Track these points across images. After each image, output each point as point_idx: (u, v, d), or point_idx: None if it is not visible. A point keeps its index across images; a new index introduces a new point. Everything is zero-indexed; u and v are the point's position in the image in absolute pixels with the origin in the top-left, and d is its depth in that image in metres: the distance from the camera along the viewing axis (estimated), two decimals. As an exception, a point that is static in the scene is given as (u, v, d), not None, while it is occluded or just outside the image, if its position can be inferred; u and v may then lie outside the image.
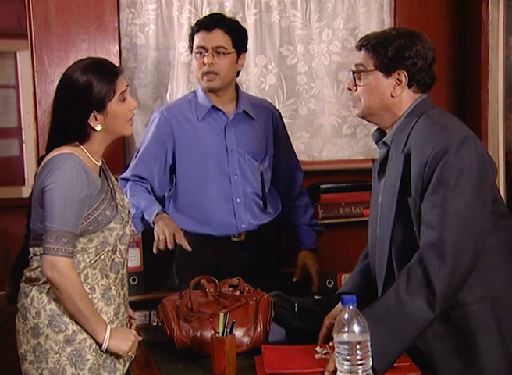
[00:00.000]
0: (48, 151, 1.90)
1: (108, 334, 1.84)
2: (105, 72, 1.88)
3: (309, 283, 2.74)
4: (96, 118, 1.86)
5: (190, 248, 2.39)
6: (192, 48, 2.56)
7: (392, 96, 1.87)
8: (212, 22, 2.51)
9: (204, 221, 2.58)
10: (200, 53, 2.51)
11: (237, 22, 2.64)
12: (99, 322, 1.85)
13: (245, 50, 2.62)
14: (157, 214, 2.47)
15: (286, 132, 2.79)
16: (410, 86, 1.87)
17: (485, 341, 1.75)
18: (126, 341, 1.87)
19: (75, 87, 1.85)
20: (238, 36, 2.55)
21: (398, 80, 1.86)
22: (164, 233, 2.39)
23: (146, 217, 2.48)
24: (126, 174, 2.61)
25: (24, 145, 3.98)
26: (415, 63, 1.85)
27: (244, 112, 2.61)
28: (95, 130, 1.87)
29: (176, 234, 2.40)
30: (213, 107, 2.57)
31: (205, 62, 2.49)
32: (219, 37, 2.50)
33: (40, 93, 2.88)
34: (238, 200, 2.58)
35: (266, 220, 2.66)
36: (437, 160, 1.73)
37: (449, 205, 1.70)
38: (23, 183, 3.92)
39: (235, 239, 2.61)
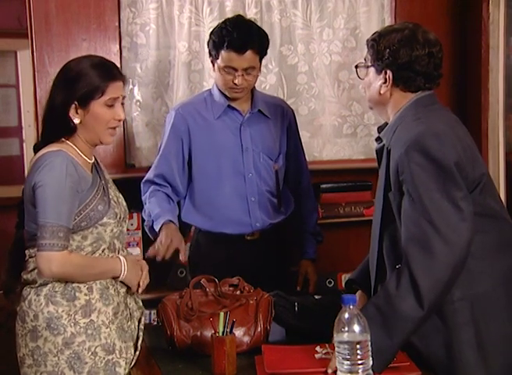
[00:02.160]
0: (39, 148, 1.90)
1: (125, 268, 1.90)
2: (104, 71, 1.87)
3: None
4: (77, 111, 1.85)
5: (183, 261, 2.40)
6: (216, 57, 2.49)
7: (380, 93, 1.89)
8: (245, 44, 2.43)
9: (218, 219, 2.58)
10: (229, 71, 2.47)
11: (262, 31, 2.55)
12: (113, 264, 1.89)
13: (266, 54, 2.59)
14: (163, 224, 2.43)
15: (298, 132, 2.79)
16: (397, 85, 1.87)
17: (460, 340, 1.75)
18: (136, 276, 1.94)
19: (67, 73, 1.87)
20: (264, 49, 2.53)
21: (385, 78, 1.87)
22: (160, 244, 2.34)
23: (154, 226, 2.46)
24: (149, 175, 2.59)
25: (24, 144, 3.99)
26: (400, 64, 1.84)
27: (259, 111, 2.61)
28: (75, 124, 1.86)
29: (179, 247, 2.36)
30: (229, 106, 2.57)
31: (235, 82, 2.46)
32: (250, 59, 2.46)
33: (40, 92, 2.88)
34: (253, 199, 2.59)
35: (280, 219, 2.66)
36: (406, 155, 1.74)
37: (426, 201, 1.71)
38: (23, 183, 3.92)
39: (249, 238, 2.61)
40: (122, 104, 1.92)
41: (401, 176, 1.76)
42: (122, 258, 1.91)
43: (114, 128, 1.91)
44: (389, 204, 1.83)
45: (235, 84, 2.47)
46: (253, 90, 2.63)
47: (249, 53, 2.45)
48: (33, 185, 1.81)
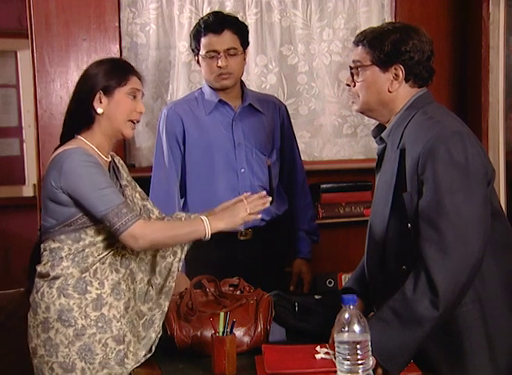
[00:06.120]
0: (61, 142, 1.95)
1: (208, 229, 1.89)
2: (121, 64, 2.00)
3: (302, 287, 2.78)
4: (100, 100, 1.91)
5: None
6: (198, 49, 2.54)
7: (389, 91, 1.86)
8: (220, 24, 2.50)
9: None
10: (212, 56, 2.51)
11: (238, 19, 2.64)
12: (195, 225, 1.90)
13: (248, 45, 2.63)
14: None
15: (292, 128, 2.79)
16: (407, 80, 1.86)
17: (471, 342, 1.74)
18: (232, 222, 1.92)
19: (88, 72, 1.95)
20: (244, 34, 2.58)
21: (395, 74, 1.85)
22: None
23: None
24: (160, 189, 2.58)
25: (25, 145, 3.99)
26: (412, 57, 1.83)
27: (251, 105, 2.62)
28: (98, 114, 1.92)
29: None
30: (220, 101, 2.59)
31: (219, 64, 2.49)
32: (229, 39, 2.51)
33: (40, 92, 2.88)
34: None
35: (273, 217, 2.66)
36: (429, 154, 1.71)
37: (446, 201, 1.68)
38: (24, 183, 3.93)
39: (242, 238, 2.61)
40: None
41: (421, 175, 1.73)
42: (204, 218, 1.91)
43: (135, 121, 1.99)
44: (399, 205, 1.79)
45: (219, 68, 2.50)
46: (243, 87, 2.65)
47: (227, 33, 2.50)
48: (62, 187, 1.84)
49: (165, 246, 1.97)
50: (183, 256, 2.04)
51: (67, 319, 1.85)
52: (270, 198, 2.01)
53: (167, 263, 2.02)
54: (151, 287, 2.01)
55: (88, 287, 1.88)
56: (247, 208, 1.93)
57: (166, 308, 1.98)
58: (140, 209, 2.05)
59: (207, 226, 1.89)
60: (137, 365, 1.92)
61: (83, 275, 1.88)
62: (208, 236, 1.90)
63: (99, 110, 1.91)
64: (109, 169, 1.97)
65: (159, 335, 1.97)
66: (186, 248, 2.04)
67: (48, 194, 1.88)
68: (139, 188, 2.11)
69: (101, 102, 1.91)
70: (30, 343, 1.92)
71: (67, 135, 1.94)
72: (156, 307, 2.00)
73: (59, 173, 1.84)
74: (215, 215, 1.96)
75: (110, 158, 2.00)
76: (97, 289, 1.89)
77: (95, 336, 1.86)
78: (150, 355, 1.95)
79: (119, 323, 1.90)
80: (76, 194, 1.84)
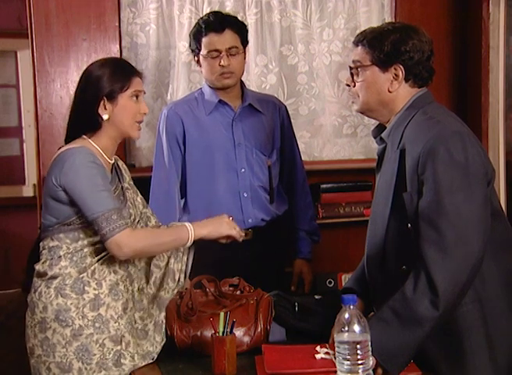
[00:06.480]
0: (66, 143, 1.96)
1: (192, 235, 1.93)
2: (122, 67, 1.98)
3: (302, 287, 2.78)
4: (105, 107, 1.91)
5: None
6: (198, 48, 2.55)
7: (389, 91, 1.86)
8: (221, 23, 2.51)
9: (211, 216, 2.57)
10: (214, 56, 2.51)
11: (237, 18, 2.65)
12: (179, 232, 1.94)
13: (247, 44, 2.64)
14: None
15: (292, 128, 2.80)
16: (407, 80, 1.86)
17: (471, 343, 1.74)
18: (218, 229, 2.01)
19: (91, 75, 1.94)
20: (244, 33, 2.59)
21: (395, 74, 1.85)
22: None
23: None
24: (153, 203, 2.54)
25: (25, 144, 4.00)
26: (412, 57, 1.83)
27: (251, 105, 2.63)
28: (103, 120, 1.92)
29: None
30: (220, 101, 2.59)
31: (222, 63, 2.50)
32: (231, 38, 2.52)
33: (40, 92, 2.88)
34: (245, 194, 2.59)
35: (273, 217, 2.66)
36: (429, 154, 1.71)
37: (446, 201, 1.68)
38: (24, 183, 3.93)
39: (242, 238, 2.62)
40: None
41: (421, 176, 1.73)
42: (188, 224, 1.95)
43: (139, 122, 1.99)
44: (399, 205, 1.79)
45: (221, 67, 2.51)
46: (243, 87, 2.66)
47: (228, 32, 2.51)
48: (61, 185, 1.85)
49: (150, 254, 1.98)
50: (183, 267, 2.05)
51: (64, 319, 1.85)
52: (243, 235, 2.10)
53: (161, 273, 2.03)
54: (144, 296, 2.01)
55: (86, 288, 1.88)
56: (234, 226, 2.03)
57: (159, 319, 1.98)
58: (141, 214, 2.05)
59: (190, 231, 1.93)
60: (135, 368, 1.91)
61: (81, 275, 1.88)
62: (190, 242, 1.94)
63: (105, 116, 1.92)
64: (112, 171, 1.98)
65: (162, 343, 1.96)
66: (185, 258, 2.05)
67: (49, 192, 1.89)
68: (140, 195, 2.11)
69: (105, 109, 1.92)
70: (27, 343, 1.92)
71: (71, 137, 1.95)
72: (148, 317, 2.00)
73: (60, 171, 1.85)
74: (200, 222, 1.99)
75: (113, 161, 2.00)
76: (94, 289, 1.89)
77: (92, 336, 1.86)
78: (151, 361, 1.94)
79: (117, 324, 1.89)
80: (72, 193, 1.84)
